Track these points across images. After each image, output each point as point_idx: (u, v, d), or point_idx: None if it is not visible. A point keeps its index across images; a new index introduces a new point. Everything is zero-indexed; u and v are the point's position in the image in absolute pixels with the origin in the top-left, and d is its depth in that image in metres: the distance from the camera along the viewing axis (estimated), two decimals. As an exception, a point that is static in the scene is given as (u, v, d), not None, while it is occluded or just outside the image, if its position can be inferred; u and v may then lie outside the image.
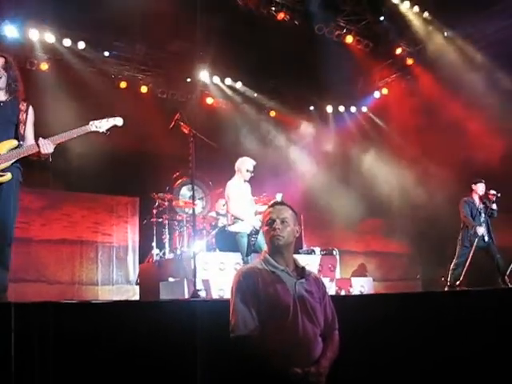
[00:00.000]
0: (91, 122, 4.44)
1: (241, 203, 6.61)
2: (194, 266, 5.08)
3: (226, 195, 6.75)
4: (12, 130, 4.31)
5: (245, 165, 6.88)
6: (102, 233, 7.33)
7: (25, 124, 4.37)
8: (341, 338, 3.22)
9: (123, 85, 9.46)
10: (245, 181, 6.92)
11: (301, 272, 3.23)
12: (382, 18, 9.39)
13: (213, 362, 3.52)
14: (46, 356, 3.04)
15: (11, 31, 8.22)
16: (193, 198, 5.42)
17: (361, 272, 10.09)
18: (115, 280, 7.24)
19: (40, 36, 8.51)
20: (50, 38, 8.59)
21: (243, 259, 6.34)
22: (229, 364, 3.35)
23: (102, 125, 4.48)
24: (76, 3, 7.86)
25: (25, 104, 4.44)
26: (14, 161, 4.18)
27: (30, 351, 3.00)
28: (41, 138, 4.25)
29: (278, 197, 6.93)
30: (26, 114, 4.41)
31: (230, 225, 6.55)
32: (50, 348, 3.07)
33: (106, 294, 7.09)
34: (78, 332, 3.19)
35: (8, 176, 4.14)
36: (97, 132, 4.46)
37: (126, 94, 9.33)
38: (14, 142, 4.26)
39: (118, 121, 4.58)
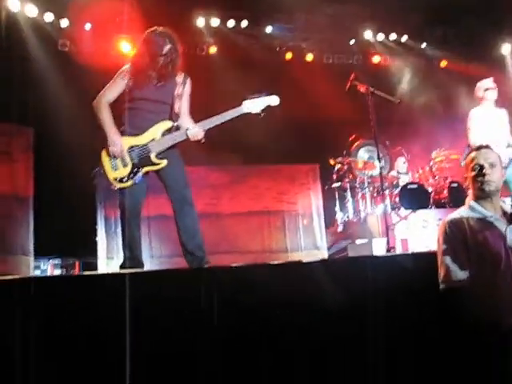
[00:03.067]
0: (244, 103, 4.27)
1: (483, 133, 5.87)
2: (387, 226, 5.03)
3: (467, 126, 6.11)
4: (167, 109, 4.34)
5: (481, 87, 6.16)
6: (287, 202, 7.51)
7: (180, 99, 4.37)
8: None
9: (289, 56, 9.52)
10: (494, 107, 6.13)
11: (510, 218, 3.06)
12: None
13: (414, 315, 3.46)
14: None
15: (180, 21, 8.70)
16: (378, 155, 5.33)
17: None
18: (303, 246, 7.43)
19: (206, 22, 8.87)
20: (215, 22, 8.92)
21: None
22: (435, 316, 3.30)
23: (256, 105, 4.27)
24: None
25: (182, 76, 4.42)
26: (167, 147, 4.24)
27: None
28: (190, 127, 4.25)
29: None
30: (183, 88, 4.39)
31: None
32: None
33: (296, 259, 7.28)
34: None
35: (164, 163, 4.22)
36: (249, 114, 4.28)
37: (293, 65, 9.43)
38: (168, 124, 4.30)
39: (274, 100, 4.32)
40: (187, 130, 4.25)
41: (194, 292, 3.07)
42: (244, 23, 9.04)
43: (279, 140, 7.87)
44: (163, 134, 4.25)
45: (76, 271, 7.41)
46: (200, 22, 8.83)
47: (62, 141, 7.39)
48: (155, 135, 4.23)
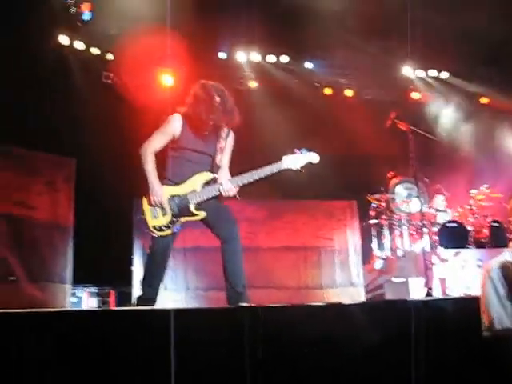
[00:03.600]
0: (284, 158, 4.20)
1: None
2: (425, 265, 4.94)
3: None
4: (209, 161, 4.38)
5: None
6: (323, 237, 7.44)
7: (222, 152, 4.41)
8: None
9: (328, 91, 9.57)
10: None
11: (556, 264, 2.98)
12: None
13: (456, 361, 3.37)
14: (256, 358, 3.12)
15: (222, 55, 8.88)
16: (418, 193, 5.28)
17: None
18: (339, 283, 7.34)
19: (247, 56, 9.00)
20: (255, 57, 9.05)
21: None
22: (478, 363, 3.21)
23: (297, 162, 4.20)
24: (275, 21, 8.29)
25: (225, 130, 4.44)
26: (205, 199, 4.27)
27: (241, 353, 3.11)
28: (223, 182, 4.27)
29: None
30: (226, 142, 4.43)
31: None
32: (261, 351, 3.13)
33: (331, 296, 7.20)
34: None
35: (202, 214, 4.26)
36: (289, 170, 4.22)
37: (332, 100, 9.46)
38: (209, 176, 4.33)
39: (314, 158, 4.27)
40: (220, 185, 4.27)
41: (237, 331, 3.08)
42: (284, 58, 9.15)
43: (317, 175, 7.85)
44: (203, 186, 4.29)
45: (111, 300, 7.46)
46: (241, 56, 8.96)
47: (102, 171, 7.53)
48: (195, 186, 4.28)
